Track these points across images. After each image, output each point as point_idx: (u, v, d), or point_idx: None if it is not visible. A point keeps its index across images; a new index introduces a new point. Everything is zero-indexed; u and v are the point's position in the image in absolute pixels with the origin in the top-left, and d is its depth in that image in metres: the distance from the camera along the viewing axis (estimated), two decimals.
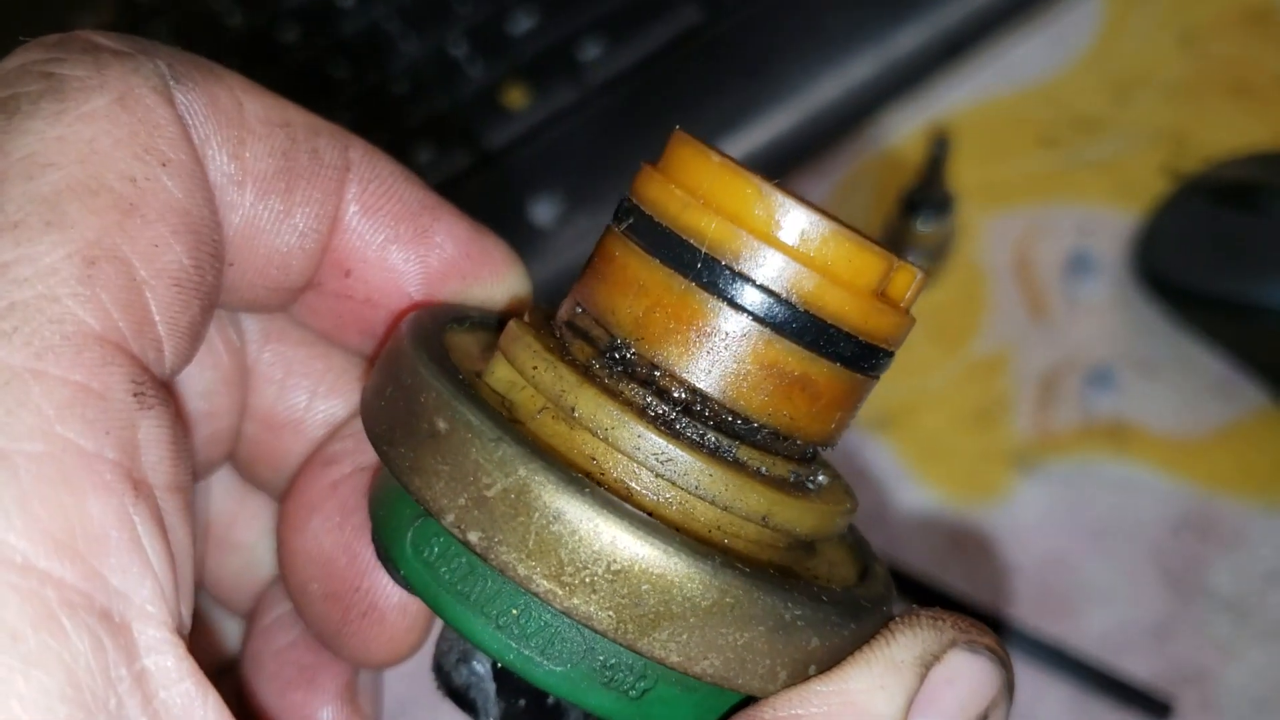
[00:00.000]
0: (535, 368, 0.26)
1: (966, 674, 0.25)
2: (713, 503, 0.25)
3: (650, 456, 0.25)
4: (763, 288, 0.25)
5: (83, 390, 0.22)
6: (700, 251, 0.25)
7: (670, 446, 0.25)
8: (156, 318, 0.24)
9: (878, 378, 0.27)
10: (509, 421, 0.26)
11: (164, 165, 0.25)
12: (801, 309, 0.25)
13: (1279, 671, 0.60)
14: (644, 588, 0.23)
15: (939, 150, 0.59)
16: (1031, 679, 0.60)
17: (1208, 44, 0.72)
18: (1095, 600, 0.62)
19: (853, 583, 0.28)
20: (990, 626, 0.26)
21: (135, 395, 0.23)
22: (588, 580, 0.24)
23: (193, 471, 0.25)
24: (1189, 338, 0.65)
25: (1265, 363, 0.64)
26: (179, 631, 0.22)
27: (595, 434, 0.25)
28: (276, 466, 0.33)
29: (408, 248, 0.29)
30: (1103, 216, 0.68)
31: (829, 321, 0.25)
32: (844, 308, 0.25)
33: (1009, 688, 0.26)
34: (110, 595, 0.21)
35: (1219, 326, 0.65)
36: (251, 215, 0.27)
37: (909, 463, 0.64)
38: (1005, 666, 0.26)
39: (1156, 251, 0.66)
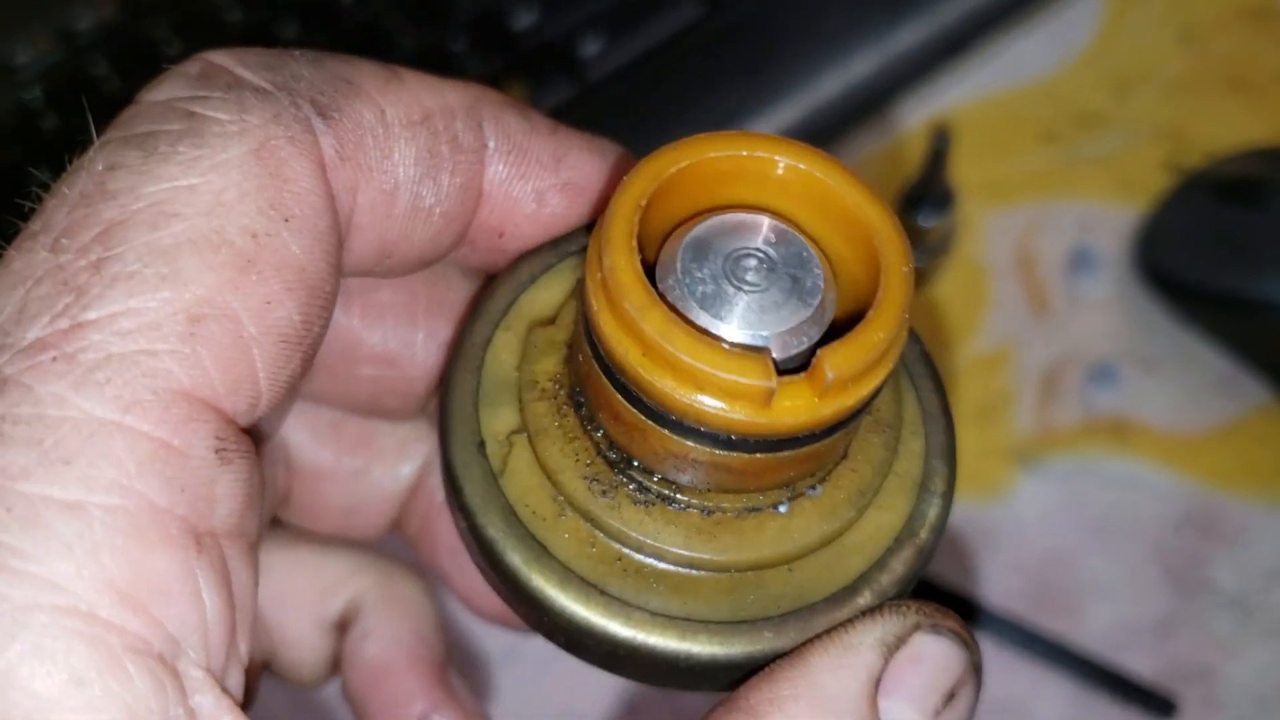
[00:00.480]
0: (526, 405, 0.30)
1: (931, 655, 0.26)
2: (636, 545, 0.28)
3: (585, 503, 0.29)
4: (658, 403, 0.26)
5: (164, 447, 0.23)
6: (609, 364, 0.27)
7: (592, 501, 0.28)
8: (260, 374, 0.25)
9: (823, 441, 0.27)
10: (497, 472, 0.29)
11: (287, 221, 0.25)
12: (691, 424, 0.26)
13: None
14: (557, 634, 0.29)
15: (940, 144, 0.59)
16: (1032, 677, 0.60)
17: (1207, 40, 0.72)
18: (1097, 597, 0.61)
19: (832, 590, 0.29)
20: (965, 613, 0.27)
21: (217, 452, 0.24)
22: (535, 618, 0.29)
23: (262, 514, 0.27)
24: (1191, 334, 0.65)
25: (1267, 359, 0.64)
26: (220, 671, 0.24)
27: (547, 475, 0.29)
28: (404, 393, 0.35)
29: (555, 203, 0.31)
30: (1104, 213, 0.68)
31: (719, 431, 0.26)
32: (731, 422, 0.26)
33: (976, 668, 0.27)
34: (165, 641, 0.22)
35: (1221, 323, 0.64)
36: (404, 218, 0.28)
37: None
38: (970, 648, 0.27)
39: (1158, 247, 0.66)
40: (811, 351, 0.27)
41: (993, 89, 0.71)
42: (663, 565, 0.28)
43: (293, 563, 0.38)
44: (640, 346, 0.26)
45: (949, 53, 0.69)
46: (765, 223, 0.28)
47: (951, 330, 0.66)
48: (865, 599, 0.28)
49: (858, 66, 0.68)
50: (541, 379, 0.30)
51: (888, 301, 0.26)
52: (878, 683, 0.26)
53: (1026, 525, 0.62)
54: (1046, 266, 0.67)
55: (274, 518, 0.38)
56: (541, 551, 0.28)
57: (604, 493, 0.28)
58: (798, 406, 0.26)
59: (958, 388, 0.65)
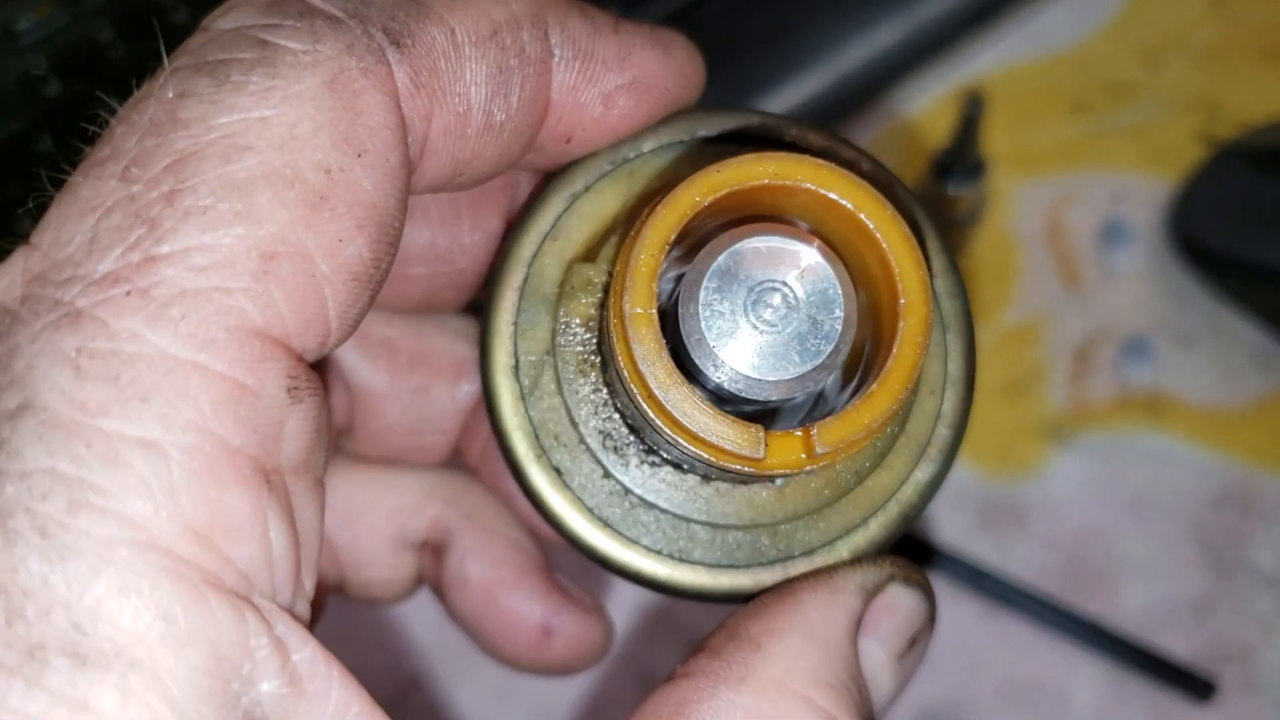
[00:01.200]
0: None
1: (903, 603, 0.29)
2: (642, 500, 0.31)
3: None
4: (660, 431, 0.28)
5: (238, 388, 0.23)
6: (633, 394, 0.28)
7: (604, 455, 0.31)
8: (331, 312, 0.25)
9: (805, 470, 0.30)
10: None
11: (360, 156, 0.25)
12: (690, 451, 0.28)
13: None
14: (571, 547, 0.31)
15: (973, 110, 0.57)
16: (1067, 656, 0.58)
17: (1238, 7, 0.70)
18: (1133, 576, 0.60)
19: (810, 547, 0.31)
20: (923, 558, 0.30)
21: (289, 391, 0.24)
22: (555, 531, 0.31)
23: (328, 448, 0.27)
24: (1226, 307, 0.63)
25: None
26: (288, 605, 0.24)
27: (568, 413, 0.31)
28: (457, 285, 0.36)
29: (622, 104, 0.30)
30: (1136, 183, 0.66)
31: (710, 460, 0.28)
32: (723, 465, 0.28)
33: (932, 619, 0.30)
34: (237, 578, 0.23)
35: (1256, 295, 0.63)
36: (477, 137, 0.28)
37: None
38: (931, 601, 0.30)
39: (1192, 219, 0.64)
40: (818, 393, 0.29)
41: (1021, 58, 0.69)
42: (661, 514, 0.31)
43: (363, 484, 0.38)
44: (645, 391, 0.27)
45: (976, 21, 0.68)
46: (797, 252, 0.28)
47: (982, 302, 0.64)
48: (842, 554, 0.31)
49: (883, 34, 0.66)
50: (574, 323, 0.30)
51: (891, 379, 0.27)
52: (858, 623, 0.28)
53: (1060, 502, 0.61)
54: (1078, 238, 0.65)
55: (338, 445, 0.38)
56: (557, 478, 0.30)
57: (615, 449, 0.30)
58: (787, 461, 0.27)
59: (988, 361, 0.63)
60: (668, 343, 0.27)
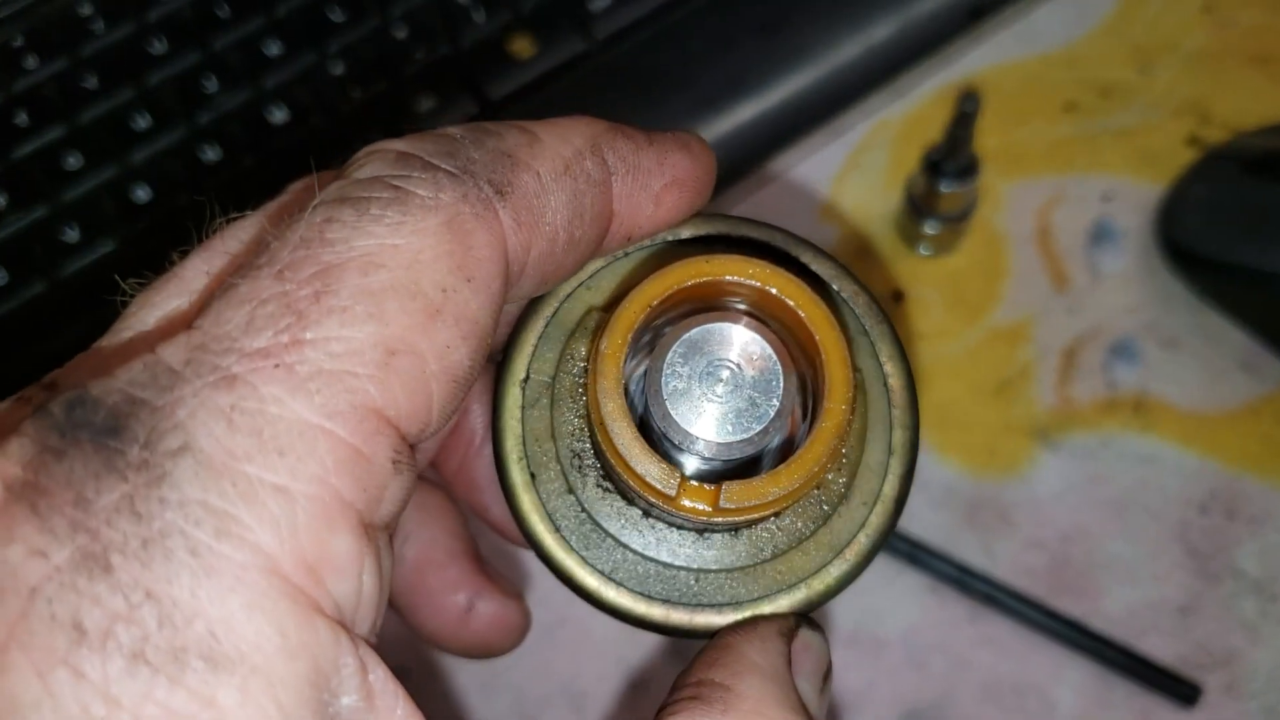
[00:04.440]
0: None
1: (814, 643, 0.34)
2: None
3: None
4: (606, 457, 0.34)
5: (355, 453, 0.28)
6: (591, 416, 0.34)
7: (569, 471, 0.36)
8: (434, 406, 0.29)
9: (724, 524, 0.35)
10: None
11: (469, 280, 0.30)
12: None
13: None
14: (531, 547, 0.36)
15: (968, 105, 0.56)
16: (1051, 658, 0.58)
17: (1230, 12, 0.70)
18: (1118, 578, 0.59)
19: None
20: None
21: (394, 462, 0.28)
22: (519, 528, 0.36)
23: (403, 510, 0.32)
24: (1213, 311, 0.63)
25: None
26: (368, 636, 0.29)
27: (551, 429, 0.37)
28: None
29: (668, 201, 0.35)
30: (1126, 186, 0.66)
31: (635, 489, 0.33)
32: (649, 498, 0.33)
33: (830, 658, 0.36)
34: (334, 609, 0.27)
35: (1244, 300, 0.63)
36: (561, 254, 0.33)
37: (926, 432, 0.61)
38: (828, 643, 0.35)
39: (1180, 222, 0.64)
40: (744, 461, 0.33)
41: (1013, 56, 0.69)
42: (603, 534, 0.35)
43: None
44: (598, 416, 0.32)
45: (970, 19, 0.67)
46: (750, 342, 0.33)
47: (970, 301, 0.64)
48: (747, 614, 0.35)
49: (877, 30, 0.66)
50: (576, 355, 0.36)
51: (797, 464, 0.32)
52: (789, 663, 0.33)
53: (1046, 503, 0.60)
54: (1067, 239, 0.65)
55: None
56: (530, 480, 0.35)
57: (579, 469, 0.35)
58: (697, 509, 0.32)
59: (976, 360, 0.63)
60: (640, 403, 0.34)
